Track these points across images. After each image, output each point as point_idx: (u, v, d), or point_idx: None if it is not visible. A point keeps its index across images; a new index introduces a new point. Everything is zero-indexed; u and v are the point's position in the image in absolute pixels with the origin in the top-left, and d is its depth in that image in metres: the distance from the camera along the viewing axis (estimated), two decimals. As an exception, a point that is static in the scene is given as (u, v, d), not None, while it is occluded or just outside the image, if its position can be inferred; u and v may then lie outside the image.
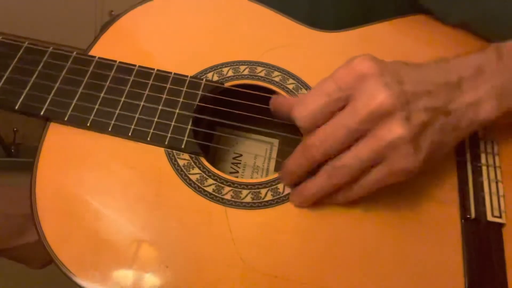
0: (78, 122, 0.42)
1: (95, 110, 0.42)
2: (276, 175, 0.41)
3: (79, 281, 0.35)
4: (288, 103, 0.38)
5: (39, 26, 1.16)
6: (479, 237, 0.38)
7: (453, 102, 0.34)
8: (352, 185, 0.35)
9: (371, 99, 0.32)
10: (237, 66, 0.46)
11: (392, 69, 0.34)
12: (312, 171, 0.36)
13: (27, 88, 0.43)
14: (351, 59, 0.34)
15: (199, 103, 0.43)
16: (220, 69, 0.46)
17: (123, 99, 0.43)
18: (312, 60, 0.47)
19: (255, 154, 0.51)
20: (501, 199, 0.39)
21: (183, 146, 0.41)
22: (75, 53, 0.45)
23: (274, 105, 0.40)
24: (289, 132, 0.44)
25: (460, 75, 0.35)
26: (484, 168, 0.41)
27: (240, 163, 0.50)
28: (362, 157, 0.33)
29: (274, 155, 0.51)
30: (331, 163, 0.35)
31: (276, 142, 0.52)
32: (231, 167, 0.50)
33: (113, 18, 0.49)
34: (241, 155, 0.51)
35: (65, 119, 0.41)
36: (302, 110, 0.35)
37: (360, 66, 0.33)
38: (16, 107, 0.42)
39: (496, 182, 0.40)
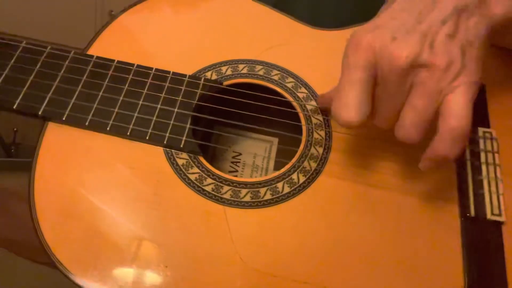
0: (76, 122, 0.41)
1: (93, 109, 0.42)
2: (275, 174, 0.40)
3: (78, 280, 0.35)
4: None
5: (39, 26, 1.17)
6: (478, 235, 0.38)
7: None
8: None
9: (394, 60, 0.32)
10: (236, 65, 0.46)
11: (386, 22, 0.33)
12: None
13: (25, 88, 0.43)
14: (349, 40, 0.34)
15: (198, 102, 0.43)
16: (218, 68, 0.46)
17: (121, 98, 0.43)
18: (312, 58, 0.47)
19: (255, 153, 0.51)
20: (501, 198, 0.39)
21: (181, 146, 0.41)
22: (72, 52, 0.45)
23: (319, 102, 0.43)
24: (288, 131, 0.44)
25: None
26: (483, 166, 0.40)
27: (239, 162, 0.50)
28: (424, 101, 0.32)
29: (273, 153, 0.51)
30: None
31: (275, 140, 0.52)
32: (230, 166, 0.50)
33: (112, 18, 0.49)
34: (240, 154, 0.51)
35: (63, 119, 0.41)
36: (345, 110, 0.33)
37: (364, 40, 0.33)
38: (15, 107, 0.42)
39: (496, 180, 0.40)
